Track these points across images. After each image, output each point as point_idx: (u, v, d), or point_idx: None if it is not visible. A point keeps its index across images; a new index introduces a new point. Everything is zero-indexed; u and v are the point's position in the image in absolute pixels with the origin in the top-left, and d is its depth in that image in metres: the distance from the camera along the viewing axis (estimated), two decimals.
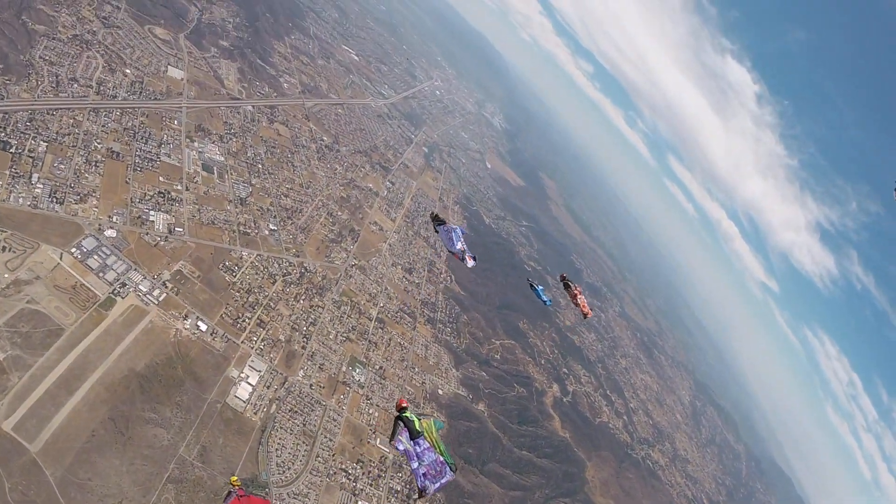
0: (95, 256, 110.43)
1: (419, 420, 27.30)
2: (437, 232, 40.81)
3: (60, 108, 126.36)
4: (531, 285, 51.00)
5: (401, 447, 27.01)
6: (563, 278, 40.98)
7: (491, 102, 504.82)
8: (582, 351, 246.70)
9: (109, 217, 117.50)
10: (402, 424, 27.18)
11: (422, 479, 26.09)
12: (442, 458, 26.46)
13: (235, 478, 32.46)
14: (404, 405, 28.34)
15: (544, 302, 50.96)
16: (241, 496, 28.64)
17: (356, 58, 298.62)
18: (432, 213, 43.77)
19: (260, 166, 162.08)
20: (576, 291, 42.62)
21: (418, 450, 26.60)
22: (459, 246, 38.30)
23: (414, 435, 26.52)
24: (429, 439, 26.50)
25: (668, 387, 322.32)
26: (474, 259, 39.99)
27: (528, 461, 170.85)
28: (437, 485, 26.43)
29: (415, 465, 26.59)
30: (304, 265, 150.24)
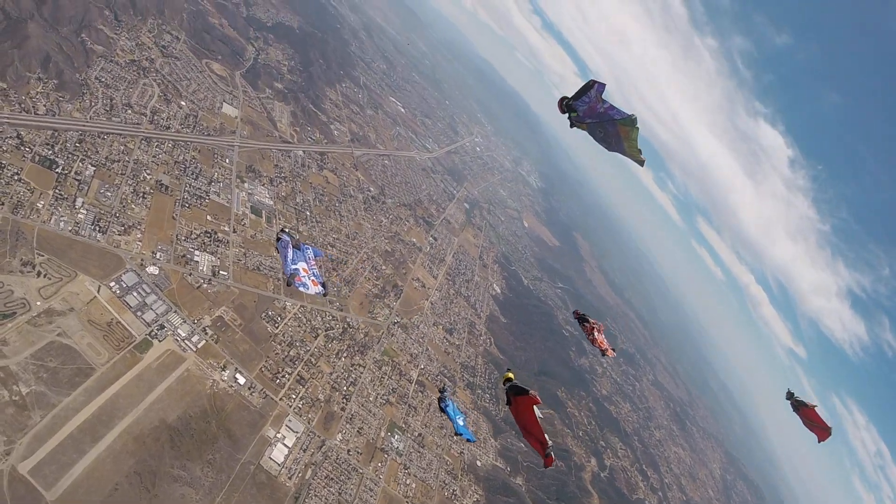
0: (135, 293, 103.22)
1: None
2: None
3: (112, 133, 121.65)
4: (441, 409, 37.46)
5: None
6: (576, 314, 38.10)
7: (527, 160, 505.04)
8: (618, 422, 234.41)
9: (153, 253, 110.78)
10: None
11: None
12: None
13: None
14: None
15: (460, 434, 36.20)
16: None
17: (402, 110, 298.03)
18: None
19: (308, 213, 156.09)
20: (592, 326, 37.39)
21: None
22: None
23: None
24: None
25: (700, 460, 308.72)
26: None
27: None
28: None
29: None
30: (347, 320, 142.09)
